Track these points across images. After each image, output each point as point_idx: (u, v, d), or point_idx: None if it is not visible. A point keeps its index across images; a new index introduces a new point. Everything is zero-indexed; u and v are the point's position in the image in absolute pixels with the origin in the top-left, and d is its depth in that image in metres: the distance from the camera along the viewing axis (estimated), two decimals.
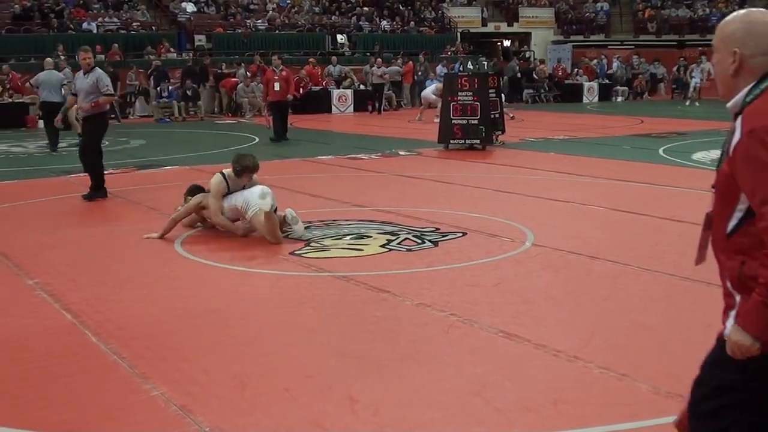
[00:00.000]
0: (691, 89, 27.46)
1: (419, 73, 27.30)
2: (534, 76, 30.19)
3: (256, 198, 7.33)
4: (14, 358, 4.52)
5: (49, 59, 16.95)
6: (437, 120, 19.65)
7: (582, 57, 33.14)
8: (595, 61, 32.02)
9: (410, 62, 27.60)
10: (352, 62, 27.96)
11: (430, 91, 21.03)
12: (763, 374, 2.20)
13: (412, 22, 32.99)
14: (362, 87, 25.77)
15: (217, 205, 7.46)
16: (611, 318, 5.08)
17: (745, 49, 2.24)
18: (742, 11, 2.34)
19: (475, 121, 14.23)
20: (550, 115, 23.53)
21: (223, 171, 7.58)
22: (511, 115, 18.65)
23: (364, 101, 25.35)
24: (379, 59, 25.77)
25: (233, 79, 24.49)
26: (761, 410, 2.23)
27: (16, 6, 25.36)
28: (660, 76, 31.97)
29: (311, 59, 26.53)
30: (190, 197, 7.78)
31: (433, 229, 7.74)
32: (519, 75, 29.88)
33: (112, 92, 10.27)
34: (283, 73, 16.61)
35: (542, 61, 32.21)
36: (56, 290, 5.84)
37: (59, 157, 14.22)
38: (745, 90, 2.25)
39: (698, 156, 13.10)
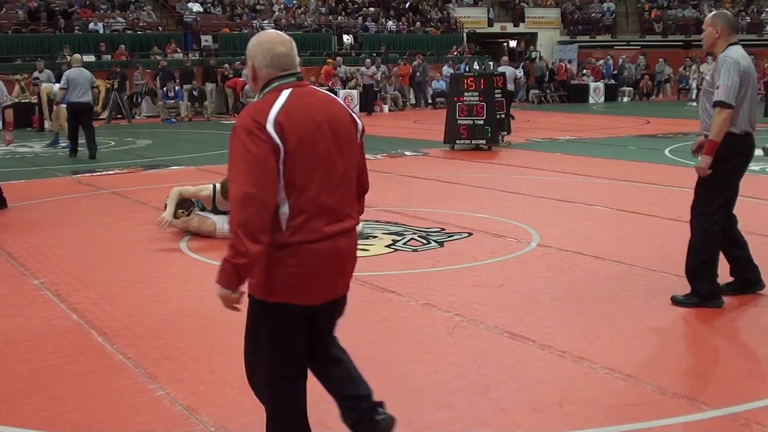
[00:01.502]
0: (693, 90, 27.41)
1: (417, 74, 27.32)
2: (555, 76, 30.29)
3: None
4: (24, 358, 4.54)
5: (77, 55, 15.35)
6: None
7: (588, 57, 33.11)
8: (601, 61, 31.99)
9: (407, 64, 27.64)
10: (358, 63, 27.99)
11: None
12: (268, 315, 2.82)
13: (418, 23, 32.97)
14: None
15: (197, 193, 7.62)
16: (616, 318, 5.08)
17: (256, 62, 2.86)
18: (260, 33, 2.92)
19: (481, 122, 14.24)
20: (556, 116, 23.51)
21: (215, 185, 7.59)
22: (512, 116, 18.63)
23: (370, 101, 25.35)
24: (368, 60, 25.77)
25: (241, 79, 24.50)
26: (281, 342, 2.86)
27: (20, 12, 25.39)
28: (666, 77, 31.96)
29: (329, 59, 26.54)
30: (181, 210, 7.68)
31: (439, 229, 7.74)
32: (546, 75, 29.93)
33: (8, 103, 9.73)
34: None
35: (570, 62, 32.15)
36: (62, 290, 5.86)
37: (64, 157, 14.24)
38: (259, 94, 2.84)
39: None
